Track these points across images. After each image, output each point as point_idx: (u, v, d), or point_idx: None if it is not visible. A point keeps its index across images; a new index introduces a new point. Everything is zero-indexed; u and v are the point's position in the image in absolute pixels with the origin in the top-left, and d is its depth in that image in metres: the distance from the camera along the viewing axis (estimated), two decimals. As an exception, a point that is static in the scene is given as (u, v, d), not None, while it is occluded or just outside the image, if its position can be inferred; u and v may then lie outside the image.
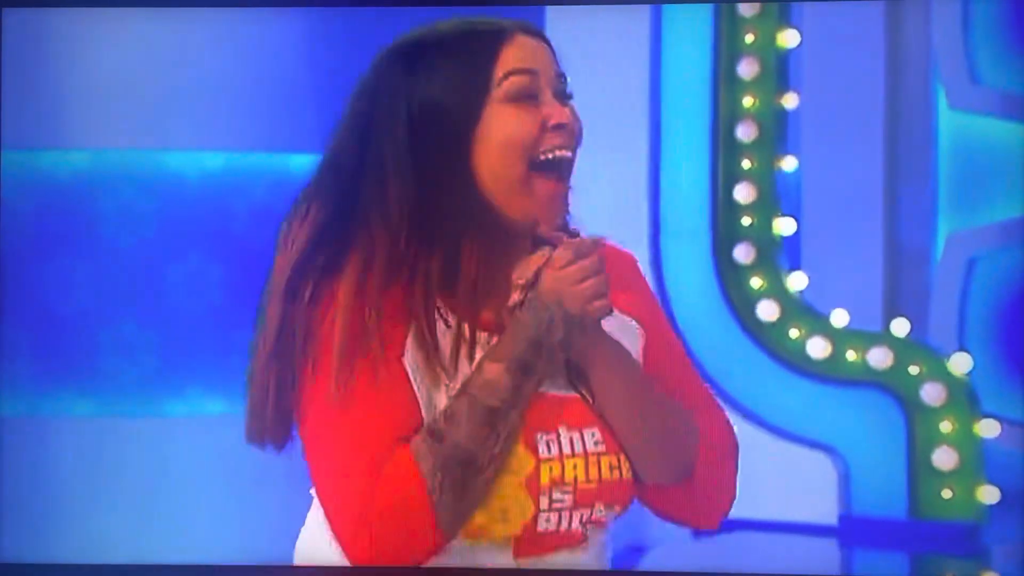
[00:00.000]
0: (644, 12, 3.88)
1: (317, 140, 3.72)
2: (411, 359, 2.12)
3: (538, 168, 2.15)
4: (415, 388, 2.11)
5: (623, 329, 2.24)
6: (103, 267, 3.65)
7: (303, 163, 3.72)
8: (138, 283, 3.66)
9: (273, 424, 2.19)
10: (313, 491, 2.20)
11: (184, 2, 3.59)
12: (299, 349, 2.14)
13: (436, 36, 2.22)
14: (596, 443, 2.17)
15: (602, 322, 2.18)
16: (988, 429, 3.71)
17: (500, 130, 2.15)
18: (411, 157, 2.16)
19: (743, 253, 3.90)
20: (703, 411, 2.28)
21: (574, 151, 2.20)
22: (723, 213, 3.91)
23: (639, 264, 2.37)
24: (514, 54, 2.17)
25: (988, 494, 3.68)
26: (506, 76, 2.16)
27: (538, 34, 2.23)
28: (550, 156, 2.16)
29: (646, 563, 3.16)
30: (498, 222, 2.15)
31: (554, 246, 2.15)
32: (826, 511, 3.75)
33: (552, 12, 3.71)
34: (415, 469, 2.08)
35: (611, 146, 3.83)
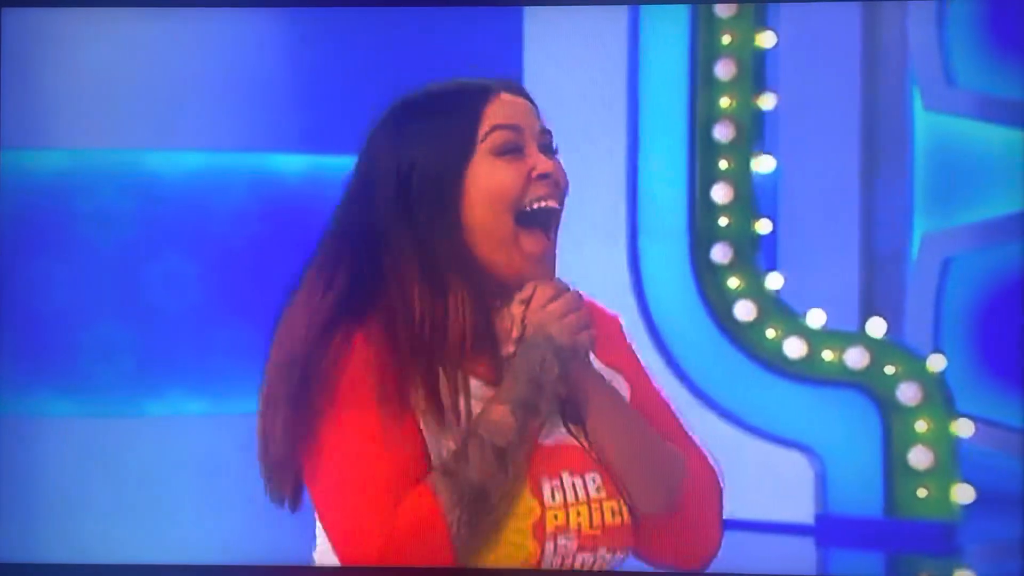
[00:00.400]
0: (621, 13, 3.88)
1: (297, 140, 3.74)
2: (418, 405, 2.16)
3: (525, 221, 2.19)
4: (423, 432, 2.15)
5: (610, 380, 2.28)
6: (82, 267, 3.65)
7: (283, 163, 3.74)
8: (117, 283, 3.65)
9: (290, 476, 2.22)
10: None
11: (164, 2, 3.59)
12: (313, 396, 2.17)
13: (424, 96, 2.25)
14: (598, 488, 2.21)
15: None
16: (963, 429, 3.73)
17: (487, 182, 2.19)
18: (406, 215, 2.19)
19: (720, 253, 3.91)
20: (689, 457, 2.31)
21: (561, 203, 2.23)
22: (700, 213, 3.92)
23: (623, 325, 2.41)
24: (498, 110, 2.21)
25: (963, 493, 3.70)
26: (491, 131, 2.19)
27: (521, 92, 2.27)
28: (536, 207, 2.19)
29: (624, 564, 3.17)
30: (484, 276, 2.19)
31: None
32: (802, 510, 3.76)
33: (530, 12, 3.72)
34: (435, 503, 2.11)
35: (588, 146, 3.84)
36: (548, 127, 2.28)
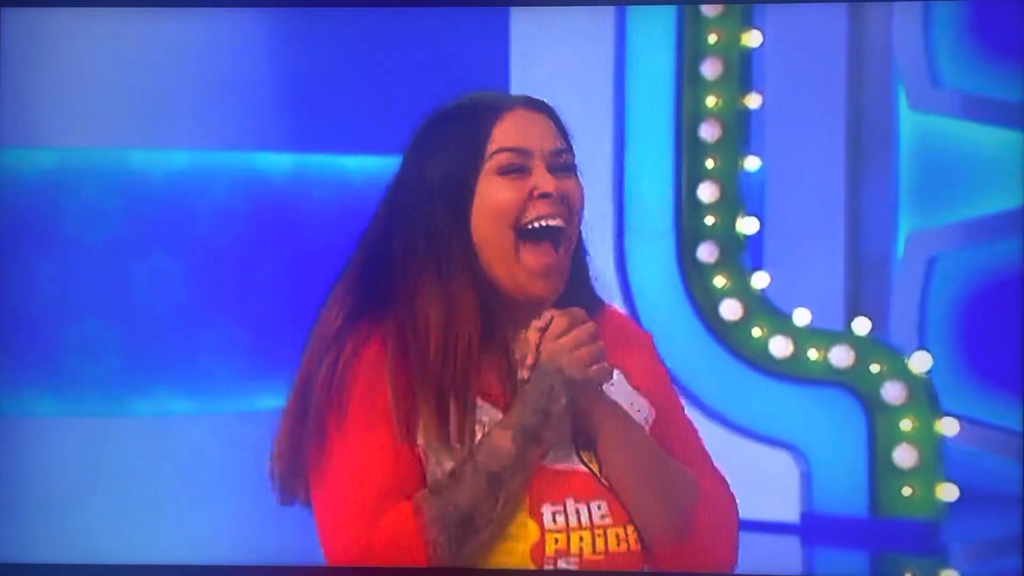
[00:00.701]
0: (608, 12, 3.89)
1: (282, 139, 3.74)
2: (423, 420, 2.17)
3: (525, 237, 2.20)
4: (422, 451, 2.16)
5: (632, 403, 2.28)
6: (68, 265, 3.65)
7: (268, 161, 3.74)
8: (103, 281, 3.65)
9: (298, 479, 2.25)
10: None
11: (151, 2, 3.59)
12: (323, 403, 2.19)
13: (447, 111, 2.28)
14: (603, 516, 2.22)
15: (611, 394, 2.23)
16: (948, 427, 3.74)
17: (489, 199, 2.21)
18: (422, 229, 2.21)
19: (706, 252, 3.92)
20: (705, 485, 2.32)
21: (568, 221, 2.24)
22: (687, 213, 3.93)
23: (655, 343, 2.42)
24: (506, 131, 2.23)
25: (948, 492, 3.71)
26: (496, 152, 2.21)
27: (543, 108, 2.28)
28: (536, 225, 2.21)
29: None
30: (492, 292, 2.21)
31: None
32: (788, 509, 3.77)
33: (517, 12, 3.72)
34: (413, 521, 2.12)
35: (575, 146, 3.84)
36: (565, 146, 2.29)
